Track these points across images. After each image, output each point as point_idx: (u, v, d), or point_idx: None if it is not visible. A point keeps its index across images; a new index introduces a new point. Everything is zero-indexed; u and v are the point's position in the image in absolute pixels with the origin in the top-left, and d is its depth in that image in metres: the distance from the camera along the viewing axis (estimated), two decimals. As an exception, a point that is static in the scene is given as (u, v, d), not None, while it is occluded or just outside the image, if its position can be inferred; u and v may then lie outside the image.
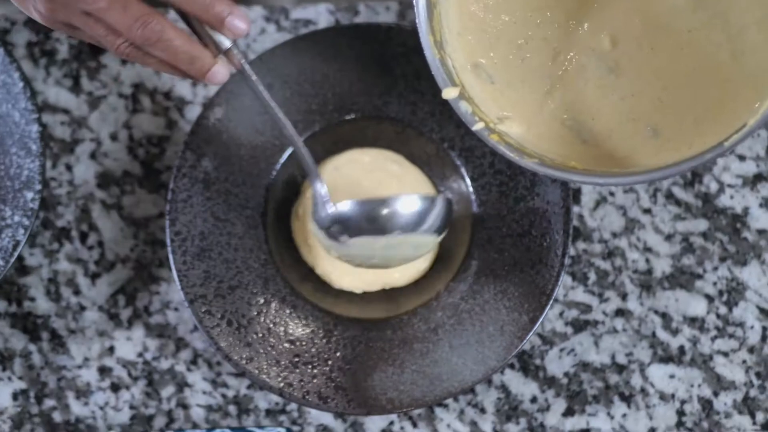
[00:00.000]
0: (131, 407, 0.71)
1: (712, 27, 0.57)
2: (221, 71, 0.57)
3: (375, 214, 0.64)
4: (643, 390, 0.70)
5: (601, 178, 0.56)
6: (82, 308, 0.72)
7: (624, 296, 0.71)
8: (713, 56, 0.57)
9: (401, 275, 0.70)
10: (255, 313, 0.68)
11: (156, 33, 0.54)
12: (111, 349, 0.71)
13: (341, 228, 0.65)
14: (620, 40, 0.59)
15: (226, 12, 0.55)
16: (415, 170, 0.71)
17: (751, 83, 0.55)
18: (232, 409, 0.70)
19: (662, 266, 0.72)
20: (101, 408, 0.71)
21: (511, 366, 0.71)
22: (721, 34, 0.57)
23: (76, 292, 0.72)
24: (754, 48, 0.56)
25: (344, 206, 0.64)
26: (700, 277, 0.72)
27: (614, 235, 0.72)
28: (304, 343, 0.68)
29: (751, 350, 0.71)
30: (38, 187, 0.69)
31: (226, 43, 0.57)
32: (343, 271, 0.69)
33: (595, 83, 0.60)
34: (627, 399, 0.70)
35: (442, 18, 0.59)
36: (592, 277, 0.72)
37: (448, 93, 0.58)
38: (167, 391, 0.71)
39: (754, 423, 0.70)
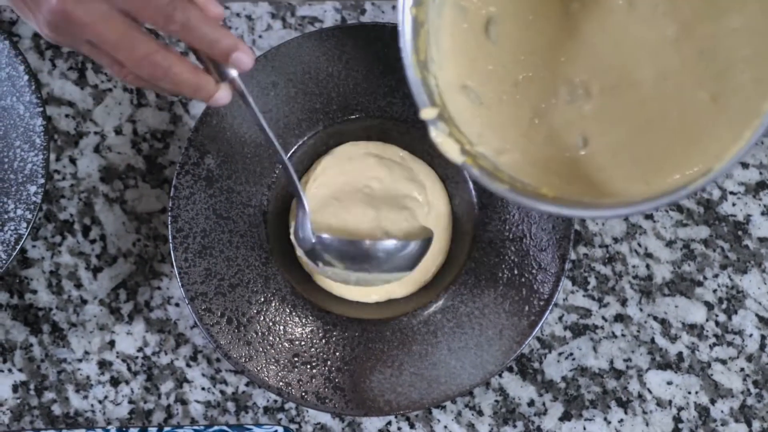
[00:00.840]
0: (130, 401, 0.71)
1: (697, 64, 0.57)
2: (223, 96, 0.58)
3: (351, 254, 0.66)
4: (640, 396, 0.71)
5: (568, 209, 0.55)
6: (84, 302, 0.72)
7: (624, 302, 0.71)
8: (693, 98, 0.57)
9: (402, 288, 0.70)
10: (255, 312, 0.68)
11: (162, 69, 0.54)
12: (111, 343, 0.72)
13: (319, 253, 0.66)
14: (599, 85, 0.58)
15: (231, 48, 0.56)
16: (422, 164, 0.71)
17: (728, 124, 0.54)
18: (230, 405, 0.71)
19: (662, 272, 0.72)
20: (100, 402, 0.71)
21: (510, 369, 0.71)
22: (705, 72, 0.56)
23: (78, 285, 0.72)
24: (736, 89, 0.55)
25: (324, 238, 0.66)
26: (700, 284, 0.72)
27: (615, 240, 0.72)
28: (303, 342, 0.68)
29: (749, 358, 0.71)
30: (41, 180, 0.69)
31: (232, 73, 0.58)
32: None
33: (578, 117, 0.59)
34: (624, 404, 0.70)
35: (430, 36, 0.58)
36: (592, 281, 0.72)
37: (427, 113, 0.57)
38: (166, 386, 0.71)
39: (751, 431, 0.70)
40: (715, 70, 0.56)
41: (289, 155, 0.70)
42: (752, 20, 0.54)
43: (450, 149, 0.56)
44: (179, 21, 0.53)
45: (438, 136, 0.56)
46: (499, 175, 0.56)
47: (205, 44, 0.55)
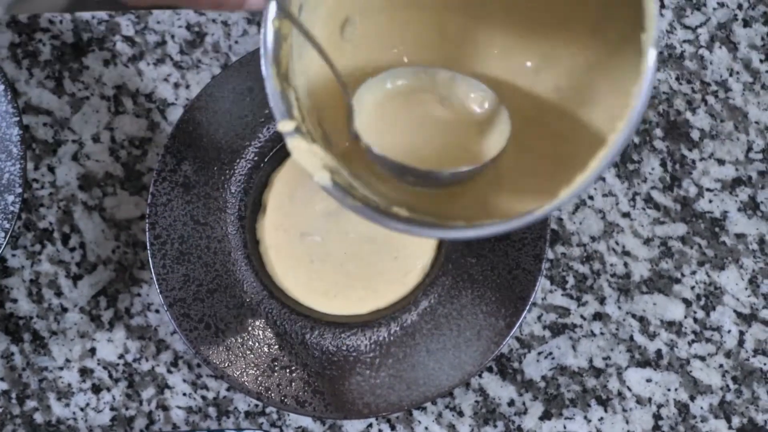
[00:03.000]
0: (112, 409, 0.71)
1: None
2: None
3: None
4: (620, 394, 0.71)
5: (420, 228, 0.54)
6: (64, 310, 0.72)
7: (602, 300, 0.72)
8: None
9: (387, 298, 0.70)
10: (233, 317, 0.68)
11: None
12: (92, 351, 0.72)
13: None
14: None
15: None
16: None
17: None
18: (211, 410, 0.71)
19: (640, 270, 0.72)
20: (82, 409, 0.71)
21: (489, 369, 0.71)
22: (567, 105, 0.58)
23: (58, 293, 0.73)
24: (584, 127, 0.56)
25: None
26: (678, 281, 0.72)
27: (593, 238, 0.72)
28: (281, 346, 0.68)
29: (728, 354, 0.71)
30: (19, 190, 0.69)
31: None
32: (308, 289, 0.70)
33: None
34: (604, 403, 0.71)
35: (294, 50, 0.57)
36: (571, 280, 0.72)
37: (284, 125, 0.55)
38: (148, 392, 0.71)
39: (730, 427, 0.70)
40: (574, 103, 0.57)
41: (266, 159, 0.71)
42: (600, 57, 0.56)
43: (308, 162, 0.55)
44: None
45: (295, 149, 0.55)
46: (353, 192, 0.55)
47: None
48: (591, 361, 0.71)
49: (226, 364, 0.67)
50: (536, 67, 0.60)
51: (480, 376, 0.71)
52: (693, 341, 0.71)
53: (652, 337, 0.71)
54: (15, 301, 0.72)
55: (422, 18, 0.61)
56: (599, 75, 0.57)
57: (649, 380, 0.71)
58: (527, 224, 0.52)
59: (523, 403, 0.71)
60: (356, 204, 0.55)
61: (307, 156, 0.55)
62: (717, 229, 0.72)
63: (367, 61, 0.60)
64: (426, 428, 0.71)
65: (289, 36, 0.57)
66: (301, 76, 0.58)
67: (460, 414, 0.71)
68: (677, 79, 0.74)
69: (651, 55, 0.50)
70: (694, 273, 0.72)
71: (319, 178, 0.55)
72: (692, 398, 0.71)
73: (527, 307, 0.67)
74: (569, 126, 0.57)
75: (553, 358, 0.71)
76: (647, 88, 0.50)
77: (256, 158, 0.70)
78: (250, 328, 0.68)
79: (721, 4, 0.75)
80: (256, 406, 0.71)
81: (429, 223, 0.55)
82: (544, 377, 0.71)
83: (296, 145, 0.55)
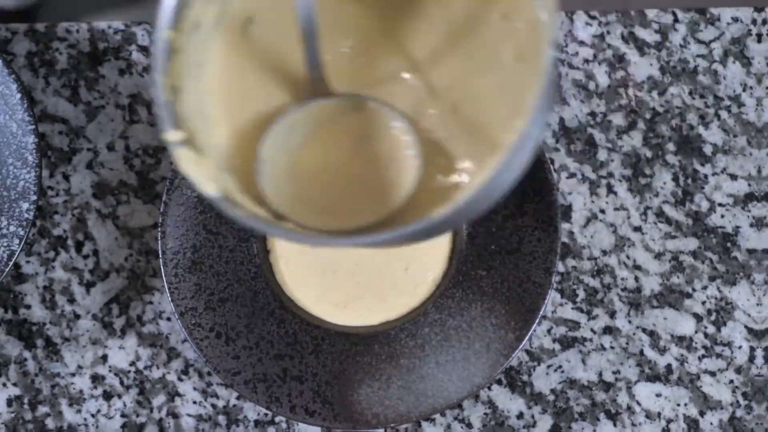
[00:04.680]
0: (123, 415, 0.72)
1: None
2: None
3: None
4: (629, 408, 0.71)
5: (307, 237, 0.53)
6: (77, 316, 0.73)
7: (612, 314, 0.72)
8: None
9: (397, 310, 0.70)
10: (244, 326, 0.69)
11: None
12: (104, 358, 0.72)
13: None
14: None
15: None
16: None
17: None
18: (221, 419, 0.71)
19: (651, 284, 0.72)
20: (93, 415, 0.72)
21: (499, 382, 0.71)
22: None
23: (71, 300, 0.73)
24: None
25: None
26: (689, 296, 0.72)
27: (604, 252, 0.72)
28: (292, 356, 0.69)
29: (738, 370, 0.71)
30: (34, 197, 0.70)
31: None
32: (318, 300, 0.70)
33: None
34: (613, 417, 0.71)
35: (188, 67, 0.55)
36: (581, 294, 0.72)
37: (170, 136, 0.52)
38: (158, 400, 0.72)
39: (740, 443, 0.70)
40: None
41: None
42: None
43: (193, 173, 0.53)
44: None
45: (181, 159, 0.53)
46: (241, 204, 0.54)
47: None
48: (600, 374, 0.71)
49: (236, 374, 0.68)
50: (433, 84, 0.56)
51: (489, 388, 0.71)
52: (703, 356, 0.71)
53: (663, 351, 0.71)
54: (28, 307, 0.73)
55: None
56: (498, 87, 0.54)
57: (658, 395, 0.71)
58: (424, 230, 0.49)
59: (532, 416, 0.71)
60: (243, 215, 0.52)
61: (192, 167, 0.53)
62: (729, 245, 0.72)
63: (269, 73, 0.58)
64: (435, 440, 0.71)
65: (184, 51, 0.55)
66: (196, 95, 0.56)
67: (469, 426, 0.71)
68: (690, 93, 0.74)
69: (547, 56, 0.45)
70: (705, 288, 0.72)
71: (205, 188, 0.53)
72: (702, 414, 0.71)
73: (537, 320, 0.67)
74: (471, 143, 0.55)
75: (562, 372, 0.71)
76: (541, 98, 0.45)
77: (268, 168, 0.71)
78: (260, 338, 0.69)
79: (735, 19, 0.75)
80: (266, 415, 0.71)
81: (318, 235, 0.53)
82: (553, 390, 0.71)
83: (182, 156, 0.53)
